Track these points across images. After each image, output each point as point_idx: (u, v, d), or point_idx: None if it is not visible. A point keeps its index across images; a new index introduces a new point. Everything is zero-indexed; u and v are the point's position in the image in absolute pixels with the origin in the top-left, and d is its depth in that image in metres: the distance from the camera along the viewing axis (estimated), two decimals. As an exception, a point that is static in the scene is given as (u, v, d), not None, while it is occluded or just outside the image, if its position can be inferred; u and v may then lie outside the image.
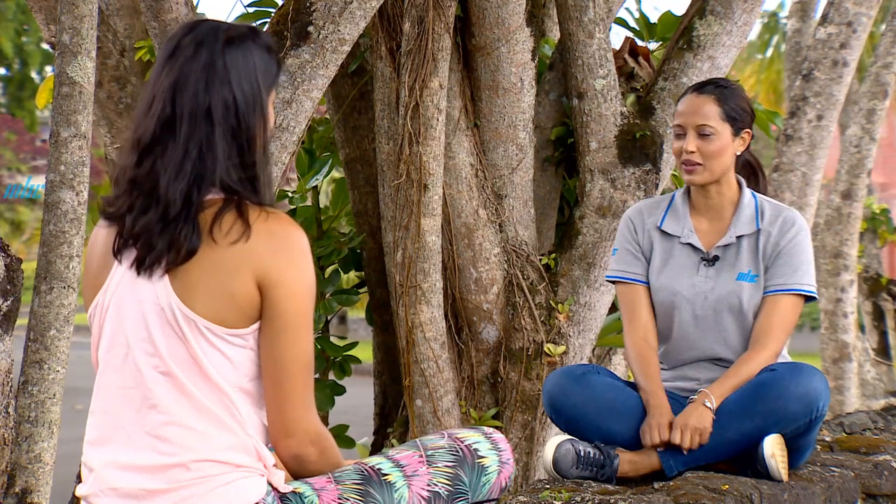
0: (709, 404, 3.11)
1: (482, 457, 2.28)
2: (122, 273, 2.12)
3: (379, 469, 2.20)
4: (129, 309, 2.10)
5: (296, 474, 2.20)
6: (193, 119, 2.06)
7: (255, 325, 2.09)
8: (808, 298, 3.27)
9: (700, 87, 3.31)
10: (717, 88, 3.28)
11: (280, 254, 2.07)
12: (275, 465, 2.17)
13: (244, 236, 2.05)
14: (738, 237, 3.29)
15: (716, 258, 3.29)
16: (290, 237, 2.09)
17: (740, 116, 3.28)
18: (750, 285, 3.25)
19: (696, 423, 3.09)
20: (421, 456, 2.25)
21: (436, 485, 2.22)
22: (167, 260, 2.06)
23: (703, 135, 3.24)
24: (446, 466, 2.24)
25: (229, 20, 5.04)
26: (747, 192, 3.34)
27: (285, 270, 2.07)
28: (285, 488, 2.14)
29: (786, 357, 3.36)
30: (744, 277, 3.26)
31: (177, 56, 2.10)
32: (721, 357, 3.29)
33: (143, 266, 2.08)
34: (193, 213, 2.05)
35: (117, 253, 2.11)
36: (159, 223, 2.05)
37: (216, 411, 2.07)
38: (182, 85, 2.08)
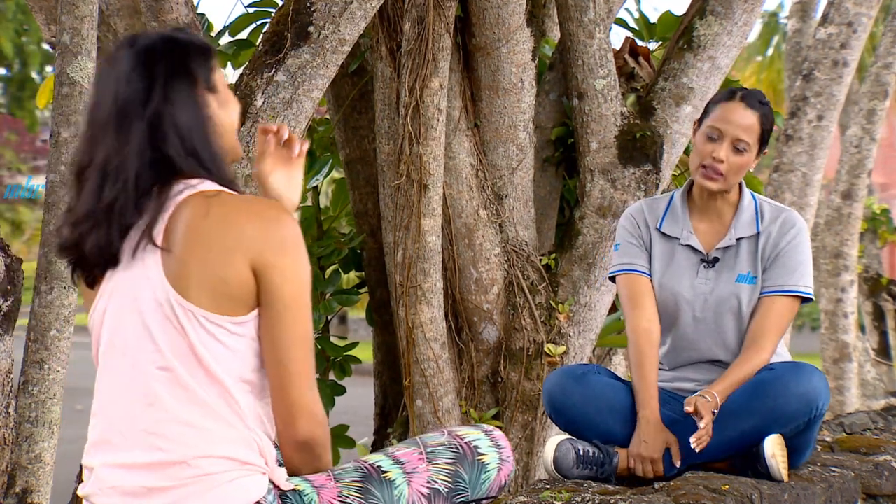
0: (710, 398, 3.08)
1: (482, 454, 2.28)
2: (114, 278, 2.14)
3: (379, 466, 2.20)
4: (127, 308, 2.11)
5: (303, 466, 2.19)
6: (115, 129, 2.10)
7: (254, 313, 2.09)
8: (805, 300, 3.27)
9: (746, 99, 3.23)
10: (762, 106, 3.23)
11: (272, 237, 2.08)
12: (278, 463, 2.17)
13: (229, 217, 2.08)
14: (738, 239, 3.28)
15: (716, 260, 3.29)
16: (280, 220, 2.11)
17: (767, 139, 3.27)
18: (749, 287, 3.24)
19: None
20: (421, 453, 2.25)
21: (436, 482, 2.22)
22: (101, 266, 2.12)
23: (737, 148, 3.20)
24: (446, 464, 2.24)
25: (230, 20, 5.06)
26: (747, 193, 3.32)
27: (280, 254, 2.08)
28: (287, 485, 2.14)
29: (786, 356, 3.36)
30: (743, 279, 3.25)
31: (97, 77, 2.19)
32: (720, 360, 3.29)
33: (93, 279, 2.14)
34: (130, 214, 2.08)
35: (85, 282, 2.17)
36: (102, 234, 2.09)
37: (215, 406, 2.07)
38: (97, 101, 2.15)
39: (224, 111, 2.21)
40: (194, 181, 2.12)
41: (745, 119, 3.20)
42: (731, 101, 3.23)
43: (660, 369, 3.36)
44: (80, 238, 2.11)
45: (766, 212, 3.29)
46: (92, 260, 2.11)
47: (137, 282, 2.09)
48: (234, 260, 2.06)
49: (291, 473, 2.21)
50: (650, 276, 3.33)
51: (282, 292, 2.08)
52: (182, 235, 2.07)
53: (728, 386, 3.13)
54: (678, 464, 3.11)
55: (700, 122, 3.30)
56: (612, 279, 3.43)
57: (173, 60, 2.15)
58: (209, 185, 2.12)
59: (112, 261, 2.11)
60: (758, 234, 3.26)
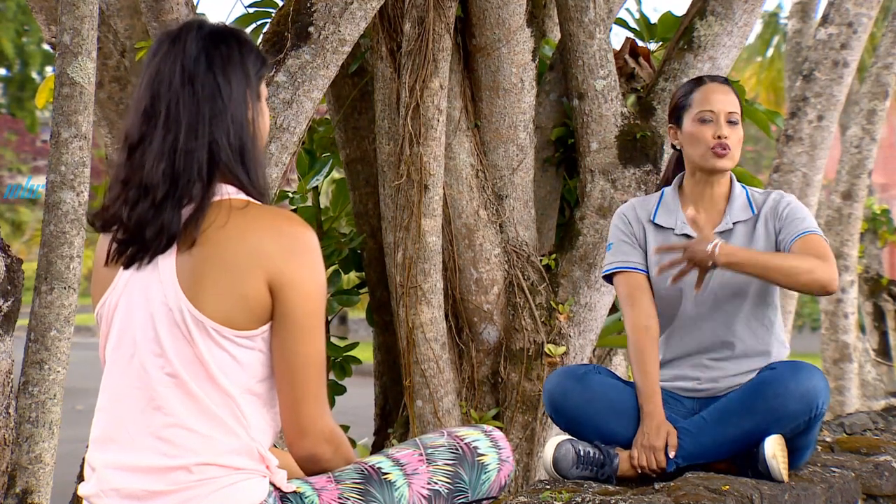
0: (716, 247, 3.08)
1: (482, 454, 2.28)
2: (129, 273, 2.12)
3: (379, 468, 2.20)
4: (138, 308, 2.10)
5: (311, 473, 2.21)
6: (173, 107, 2.08)
7: (265, 327, 2.09)
8: None
9: (716, 80, 3.35)
10: (731, 85, 3.37)
11: (292, 254, 2.07)
12: (278, 466, 2.17)
13: (248, 231, 2.06)
14: (735, 223, 3.30)
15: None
16: (300, 236, 2.10)
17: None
18: None
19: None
20: (421, 454, 2.25)
21: (436, 483, 2.22)
22: (154, 248, 2.07)
23: (731, 122, 3.29)
24: (446, 464, 2.24)
25: (229, 21, 5.06)
26: (737, 182, 3.38)
27: (298, 271, 2.07)
28: (288, 487, 2.15)
29: (786, 344, 3.37)
30: None
31: (157, 52, 2.14)
32: (724, 340, 3.28)
33: (134, 261, 2.09)
34: (180, 195, 2.06)
35: (113, 259, 2.11)
36: (150, 211, 2.06)
37: (221, 415, 2.07)
38: (160, 77, 2.11)
39: (261, 121, 2.20)
40: (231, 189, 2.10)
41: (727, 94, 3.31)
42: (704, 84, 3.33)
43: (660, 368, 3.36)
44: (139, 217, 2.06)
45: (757, 197, 3.36)
46: (149, 241, 2.07)
47: (151, 283, 2.08)
48: (252, 276, 2.05)
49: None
50: (646, 271, 3.34)
51: (297, 310, 2.08)
52: (198, 243, 2.06)
53: (756, 257, 3.12)
54: (672, 454, 3.12)
55: (677, 123, 3.34)
56: (608, 279, 3.43)
57: (235, 53, 2.14)
58: (241, 196, 2.11)
59: (171, 243, 2.07)
60: (754, 217, 3.30)
